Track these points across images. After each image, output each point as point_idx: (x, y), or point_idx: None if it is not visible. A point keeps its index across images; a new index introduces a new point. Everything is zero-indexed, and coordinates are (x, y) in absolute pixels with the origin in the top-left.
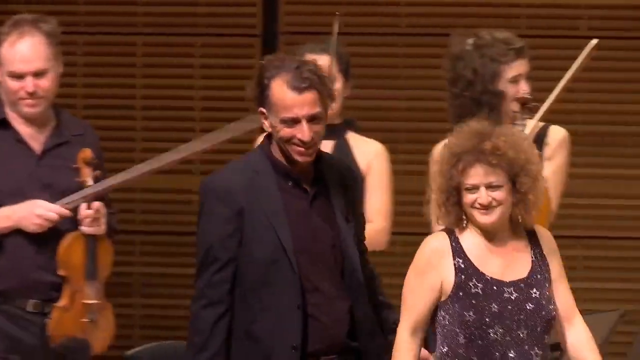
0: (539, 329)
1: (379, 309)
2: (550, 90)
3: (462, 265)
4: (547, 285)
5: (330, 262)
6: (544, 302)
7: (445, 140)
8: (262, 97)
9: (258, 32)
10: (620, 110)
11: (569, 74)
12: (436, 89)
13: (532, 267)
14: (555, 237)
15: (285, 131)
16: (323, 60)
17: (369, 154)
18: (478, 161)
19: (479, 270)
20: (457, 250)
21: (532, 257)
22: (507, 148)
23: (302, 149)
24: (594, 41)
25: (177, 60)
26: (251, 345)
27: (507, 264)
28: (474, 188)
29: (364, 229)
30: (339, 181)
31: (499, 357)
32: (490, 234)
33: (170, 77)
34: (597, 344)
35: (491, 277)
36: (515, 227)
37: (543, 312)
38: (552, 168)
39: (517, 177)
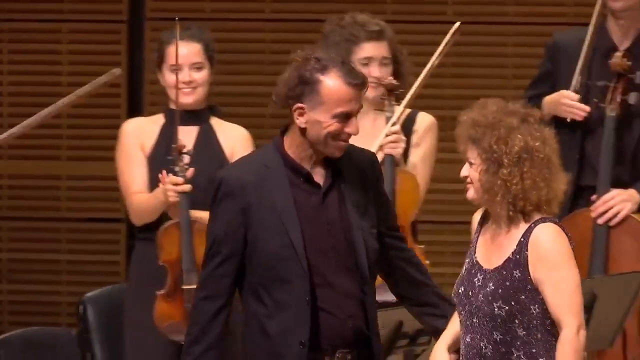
0: (485, 322)
1: (430, 303)
2: (417, 75)
3: (473, 241)
4: (508, 284)
5: (345, 257)
6: (490, 298)
7: None
8: (303, 92)
9: (124, 17)
10: (486, 95)
11: (434, 59)
12: None
13: (504, 262)
14: (424, 222)
15: (336, 126)
16: (193, 47)
17: (233, 139)
18: (466, 137)
19: (475, 249)
20: (480, 225)
21: (510, 254)
22: (474, 125)
23: (345, 144)
24: (457, 24)
25: (44, 47)
26: (263, 340)
27: (492, 251)
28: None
29: (393, 216)
30: (357, 172)
31: (463, 339)
32: (492, 217)
33: (38, 63)
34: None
35: (476, 260)
36: (515, 220)
37: (486, 308)
38: (420, 154)
39: (484, 161)
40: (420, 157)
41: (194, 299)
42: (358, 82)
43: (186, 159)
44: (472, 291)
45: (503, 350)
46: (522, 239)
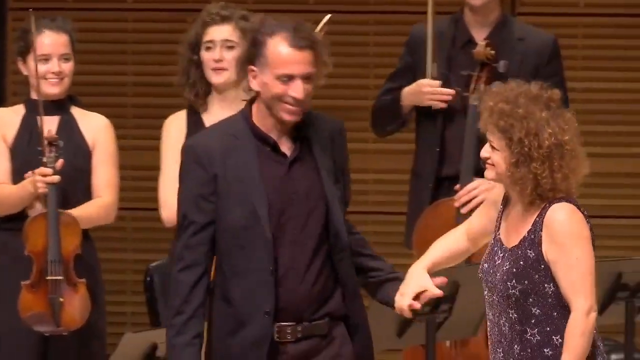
0: (502, 300)
1: (368, 261)
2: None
3: (499, 216)
4: (522, 263)
5: (312, 226)
6: (505, 277)
7: None
8: (254, 54)
9: None
10: (358, 85)
11: None
12: (164, 64)
13: (520, 242)
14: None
15: (280, 88)
16: (61, 38)
17: (94, 128)
18: (493, 124)
19: (499, 226)
20: (505, 201)
21: (526, 233)
22: (502, 115)
23: (292, 108)
24: (328, 16)
25: None
26: (228, 309)
27: (512, 230)
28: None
29: (348, 187)
30: (327, 140)
31: (488, 316)
32: (513, 197)
33: None
34: None
35: (499, 237)
36: (535, 199)
37: (501, 287)
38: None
39: (530, 161)
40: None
41: (172, 273)
42: (301, 45)
43: (54, 150)
44: (493, 269)
45: (519, 328)
46: (537, 219)
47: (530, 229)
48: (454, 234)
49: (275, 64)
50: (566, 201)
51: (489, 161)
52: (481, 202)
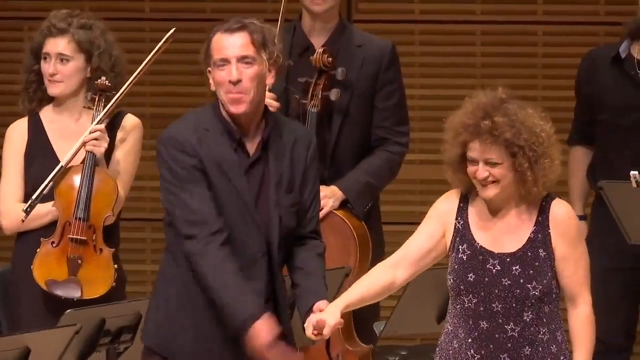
0: (514, 305)
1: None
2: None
3: (460, 227)
4: (537, 264)
5: (255, 229)
6: (522, 280)
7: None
8: (205, 55)
9: None
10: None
11: (148, 60)
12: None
13: (525, 244)
14: (126, 219)
15: (218, 75)
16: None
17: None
18: (477, 137)
19: (472, 236)
20: (462, 212)
21: (531, 234)
22: (506, 128)
23: (234, 95)
24: (173, 30)
25: None
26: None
27: (502, 235)
28: (474, 161)
29: (312, 202)
30: (290, 147)
31: (472, 326)
32: (493, 204)
33: None
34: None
35: (481, 246)
36: (526, 200)
37: (518, 290)
38: (123, 151)
39: (515, 157)
40: (123, 154)
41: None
42: (232, 28)
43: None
44: (488, 277)
45: (532, 329)
46: (540, 218)
47: (535, 229)
48: (376, 272)
49: (212, 54)
50: (558, 197)
51: (489, 179)
52: (320, 209)
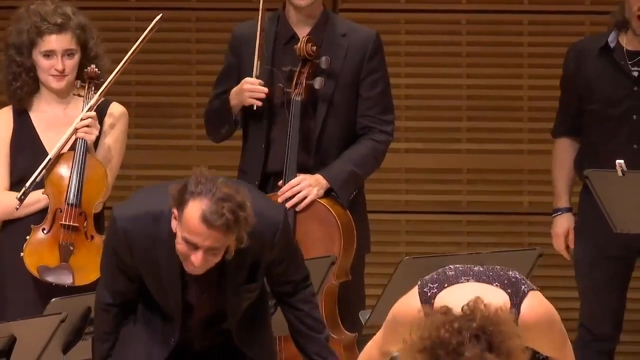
0: None
1: (294, 332)
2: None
3: None
4: None
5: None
6: None
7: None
8: (179, 203)
9: None
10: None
11: (134, 48)
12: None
13: None
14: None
15: (182, 247)
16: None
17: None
18: None
19: None
20: None
21: None
22: None
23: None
24: (160, 15)
25: None
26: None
27: None
28: None
29: (289, 275)
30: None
31: None
32: None
33: None
34: None
35: None
36: None
37: None
38: (111, 140)
39: None
40: (111, 142)
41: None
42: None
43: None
44: None
45: None
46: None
47: None
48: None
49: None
50: None
51: None
52: (304, 198)
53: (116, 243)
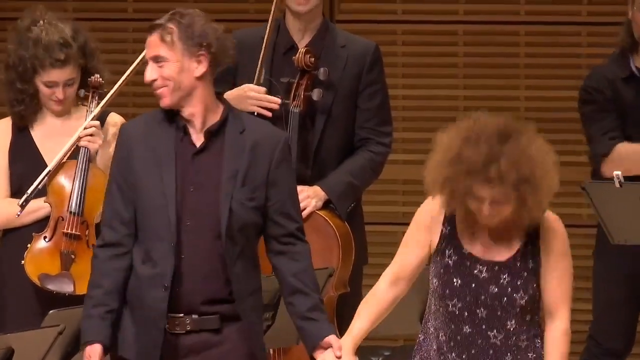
0: (499, 313)
1: (288, 293)
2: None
3: (447, 233)
4: (526, 274)
5: (208, 219)
6: (509, 289)
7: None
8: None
9: None
10: None
11: (139, 60)
12: None
13: (514, 254)
14: None
15: None
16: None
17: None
18: (486, 183)
19: (459, 242)
20: (450, 218)
21: (520, 246)
22: (512, 171)
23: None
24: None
25: None
26: (135, 282)
27: (492, 244)
28: (479, 199)
29: (287, 205)
30: (253, 145)
31: (454, 330)
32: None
33: None
34: None
35: (468, 253)
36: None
37: (505, 299)
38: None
39: (519, 190)
40: (109, 152)
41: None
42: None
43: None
44: (475, 284)
45: (515, 338)
46: (532, 231)
47: (526, 240)
48: (375, 294)
49: None
50: (549, 212)
51: (495, 216)
52: (303, 209)
53: (118, 147)
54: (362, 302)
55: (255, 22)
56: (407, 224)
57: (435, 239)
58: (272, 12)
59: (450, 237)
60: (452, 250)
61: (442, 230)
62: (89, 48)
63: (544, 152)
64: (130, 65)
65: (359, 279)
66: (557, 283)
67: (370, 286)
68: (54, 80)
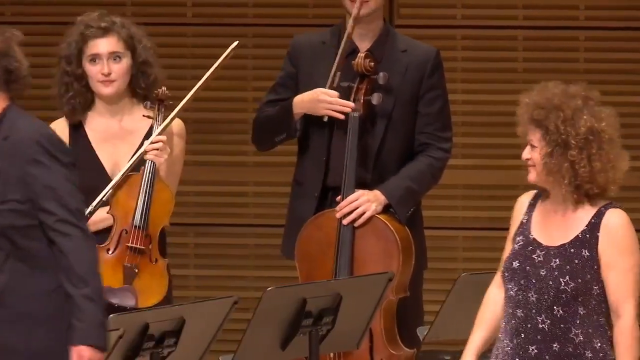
0: (546, 297)
1: None
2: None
3: (524, 221)
4: (577, 262)
5: None
6: (556, 273)
7: None
8: None
9: None
10: (220, 97)
11: (209, 73)
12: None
13: (572, 240)
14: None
15: None
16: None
17: None
18: (528, 120)
19: (529, 228)
20: (530, 208)
21: (579, 233)
22: (553, 117)
23: None
24: (236, 43)
25: None
26: None
27: (554, 229)
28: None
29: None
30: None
31: (511, 313)
32: (550, 197)
33: None
34: (211, 332)
35: (533, 238)
36: (584, 200)
37: (551, 282)
38: (170, 160)
39: (559, 146)
40: (172, 159)
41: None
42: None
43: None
44: (530, 266)
45: (562, 326)
46: (594, 220)
47: (585, 229)
48: (487, 302)
49: None
50: (619, 207)
51: (529, 162)
52: (363, 213)
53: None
54: (479, 310)
55: (314, 27)
56: (467, 229)
57: (515, 228)
58: (353, 13)
59: (525, 225)
60: (521, 237)
61: (522, 220)
62: (137, 36)
63: (608, 135)
64: (189, 71)
65: (419, 283)
66: (620, 280)
67: (430, 290)
68: (97, 52)
